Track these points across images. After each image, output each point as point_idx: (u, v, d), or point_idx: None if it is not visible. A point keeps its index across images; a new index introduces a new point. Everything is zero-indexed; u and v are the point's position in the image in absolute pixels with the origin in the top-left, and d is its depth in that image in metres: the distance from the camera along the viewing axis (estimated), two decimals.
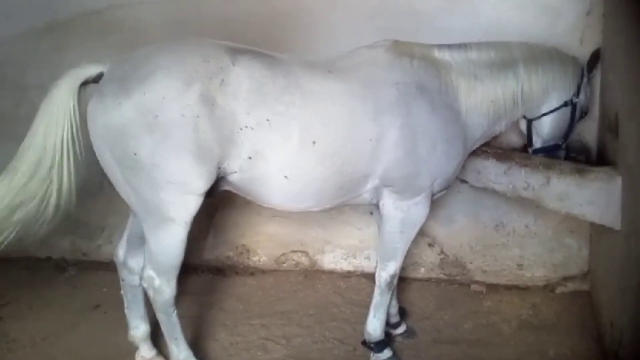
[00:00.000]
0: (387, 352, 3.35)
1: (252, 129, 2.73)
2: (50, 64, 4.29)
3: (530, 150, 3.51)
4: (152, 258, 2.91)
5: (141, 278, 3.05)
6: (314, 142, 2.82)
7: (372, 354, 3.37)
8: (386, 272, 3.25)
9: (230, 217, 4.50)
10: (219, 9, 4.07)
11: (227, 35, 3.89)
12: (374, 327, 3.36)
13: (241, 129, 2.73)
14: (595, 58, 3.39)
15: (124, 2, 4.19)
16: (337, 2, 3.96)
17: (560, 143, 3.44)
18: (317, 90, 2.85)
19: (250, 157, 2.78)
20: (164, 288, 2.95)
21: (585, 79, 3.36)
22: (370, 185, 3.08)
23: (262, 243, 4.55)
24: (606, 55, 3.56)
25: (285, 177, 2.85)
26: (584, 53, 3.56)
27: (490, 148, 3.67)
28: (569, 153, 3.54)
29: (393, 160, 2.97)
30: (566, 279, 4.11)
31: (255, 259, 4.58)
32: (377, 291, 3.32)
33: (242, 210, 4.43)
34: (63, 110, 2.73)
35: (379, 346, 3.36)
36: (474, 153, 3.61)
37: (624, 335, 2.89)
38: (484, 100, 3.13)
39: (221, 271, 4.55)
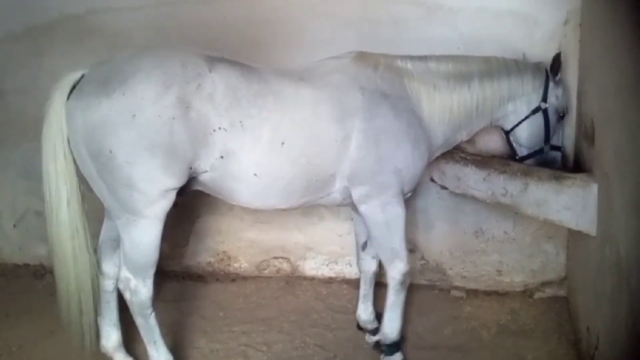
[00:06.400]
0: (398, 357, 3.39)
1: (226, 130, 2.86)
2: (28, 69, 4.28)
3: (517, 159, 3.58)
4: (126, 257, 2.97)
5: (117, 280, 3.09)
6: (282, 143, 2.95)
7: (382, 357, 3.40)
8: (397, 272, 3.28)
9: (211, 223, 4.48)
10: (199, 15, 4.06)
11: (207, 42, 3.91)
12: (391, 328, 3.37)
13: (215, 130, 2.84)
14: (557, 62, 3.45)
15: (103, 7, 4.16)
16: (318, 11, 3.97)
17: (542, 147, 3.51)
18: (288, 95, 3.00)
19: (222, 157, 2.90)
20: (140, 288, 3.00)
21: (551, 83, 3.44)
22: (338, 184, 3.16)
23: (243, 249, 4.54)
24: (583, 64, 3.63)
25: (255, 175, 2.96)
26: (562, 61, 3.62)
27: (470, 155, 3.72)
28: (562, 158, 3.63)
29: (357, 160, 3.08)
30: (544, 284, 4.15)
31: (237, 265, 4.57)
32: (391, 292, 3.34)
33: (223, 217, 4.42)
34: (61, 128, 2.83)
35: (392, 348, 3.39)
36: (454, 159, 3.66)
37: (600, 340, 2.94)
38: (442, 108, 3.26)
39: (202, 277, 4.52)
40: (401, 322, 3.40)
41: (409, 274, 3.33)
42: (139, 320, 3.09)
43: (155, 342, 3.14)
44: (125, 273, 3.00)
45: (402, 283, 3.31)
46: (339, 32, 3.91)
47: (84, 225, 3.02)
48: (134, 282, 2.99)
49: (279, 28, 4.01)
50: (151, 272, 3.01)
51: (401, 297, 3.35)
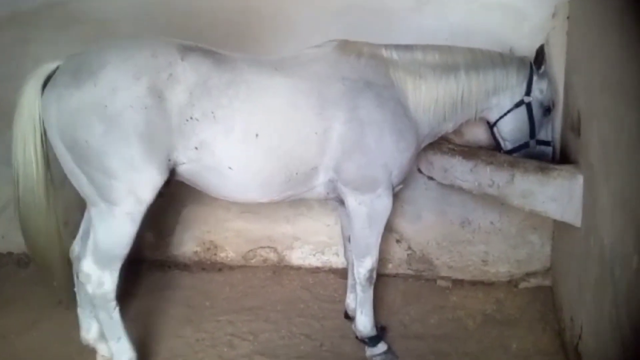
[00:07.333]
0: (382, 346, 3.40)
1: (198, 120, 2.82)
2: (13, 56, 4.20)
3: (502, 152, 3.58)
4: (97, 247, 2.89)
5: (78, 272, 3.01)
6: (256, 135, 2.91)
7: (367, 349, 3.42)
8: (364, 267, 3.29)
9: (198, 212, 4.46)
10: (188, 3, 4.01)
11: (196, 31, 3.86)
12: (363, 323, 3.41)
13: (187, 120, 2.81)
14: (540, 54, 3.44)
15: None
16: (308, 0, 3.94)
17: (527, 141, 3.50)
18: (261, 85, 2.94)
19: (196, 148, 2.86)
20: (105, 280, 2.92)
21: (535, 77, 3.43)
22: (322, 178, 3.13)
23: (230, 239, 4.52)
24: (570, 56, 3.65)
25: (230, 168, 2.93)
26: (550, 54, 3.64)
27: (457, 146, 3.73)
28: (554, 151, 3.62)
29: (341, 151, 3.04)
30: (529, 274, 4.19)
31: (223, 255, 4.55)
32: (359, 288, 3.36)
33: (210, 206, 4.40)
34: (33, 116, 2.82)
35: (373, 341, 3.40)
36: (441, 150, 3.67)
37: (584, 330, 2.97)
38: (427, 98, 3.22)
39: (188, 267, 4.50)
40: (372, 318, 3.42)
41: (375, 270, 3.34)
42: (101, 315, 2.99)
43: (119, 339, 3.05)
44: (89, 265, 2.91)
45: (369, 279, 3.33)
46: (330, 22, 3.88)
47: (52, 208, 3.00)
48: (98, 274, 2.91)
49: (269, 17, 3.98)
50: (119, 264, 2.93)
51: (369, 294, 3.37)
